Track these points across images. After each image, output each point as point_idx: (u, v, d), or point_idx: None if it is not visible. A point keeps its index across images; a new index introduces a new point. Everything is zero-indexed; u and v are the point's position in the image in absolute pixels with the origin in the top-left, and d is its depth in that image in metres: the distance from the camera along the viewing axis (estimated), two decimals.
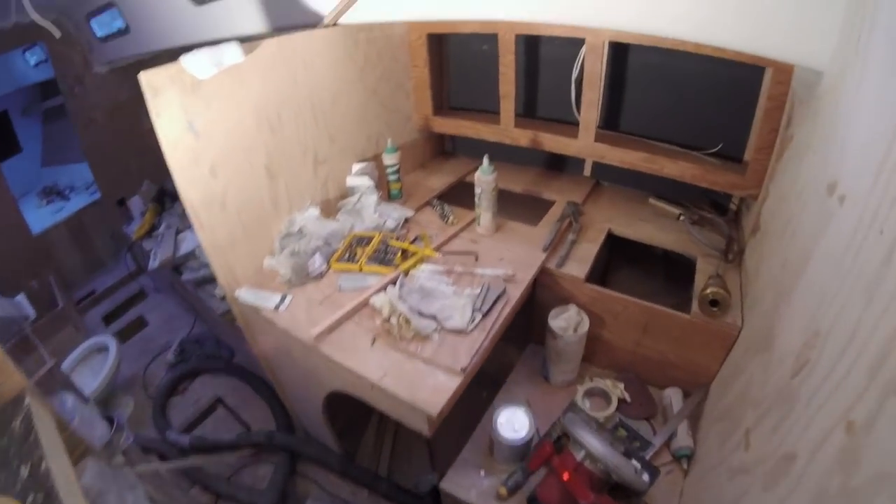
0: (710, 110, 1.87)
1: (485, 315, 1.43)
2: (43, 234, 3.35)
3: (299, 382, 1.79)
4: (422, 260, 1.64)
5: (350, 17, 1.78)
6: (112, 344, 2.47)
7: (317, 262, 1.62)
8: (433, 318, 1.40)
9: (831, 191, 0.98)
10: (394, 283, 1.54)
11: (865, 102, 0.92)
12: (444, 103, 2.41)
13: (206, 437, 2.15)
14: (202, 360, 2.59)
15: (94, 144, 3.27)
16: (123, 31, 2.68)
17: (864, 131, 0.91)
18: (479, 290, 1.50)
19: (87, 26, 2.85)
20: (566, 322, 1.62)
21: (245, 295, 1.57)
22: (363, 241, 1.72)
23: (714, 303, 1.48)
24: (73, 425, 1.16)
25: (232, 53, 1.44)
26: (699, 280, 1.62)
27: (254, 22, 2.03)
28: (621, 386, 1.68)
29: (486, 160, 1.68)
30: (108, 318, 3.19)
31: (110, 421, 1.43)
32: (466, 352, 1.32)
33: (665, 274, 2.02)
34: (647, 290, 2.07)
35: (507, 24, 1.90)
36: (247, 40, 2.02)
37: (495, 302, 1.46)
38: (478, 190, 1.71)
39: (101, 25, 2.81)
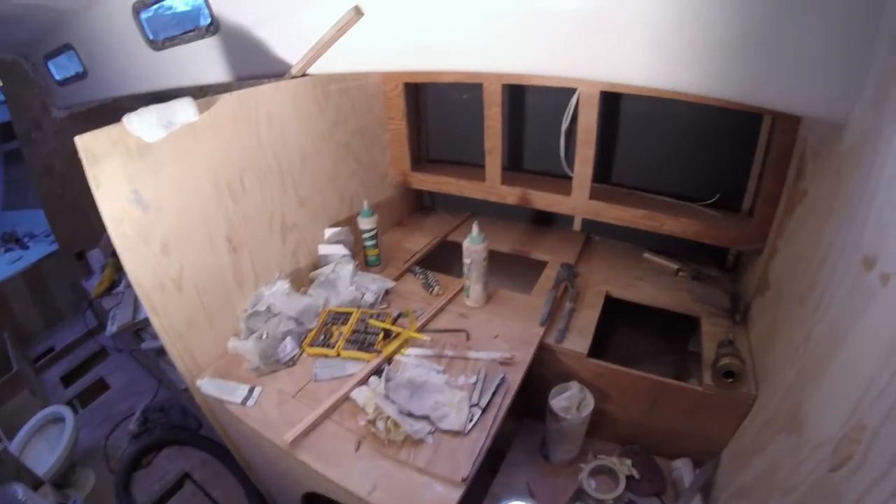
0: (707, 159, 1.72)
1: (484, 410, 1.21)
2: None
3: (273, 477, 1.54)
4: (407, 343, 1.41)
5: (320, 67, 1.61)
6: (69, 416, 2.18)
7: (288, 347, 1.39)
8: (426, 418, 1.18)
9: (869, 266, 0.87)
10: (377, 373, 1.31)
11: None
12: (423, 156, 2.21)
13: None
14: (167, 431, 2.32)
15: (51, 194, 3.00)
16: (82, 75, 2.48)
17: None
18: (474, 379, 1.28)
19: (45, 68, 2.64)
20: (568, 401, 1.42)
21: (208, 386, 1.33)
22: (340, 318, 1.49)
23: (729, 374, 1.31)
24: None
25: (184, 111, 1.23)
26: (707, 346, 1.45)
27: (216, 70, 1.86)
28: (628, 462, 1.47)
29: (475, 228, 1.48)
30: (67, 379, 2.92)
31: None
32: (466, 457, 1.11)
33: (664, 329, 1.83)
34: (647, 349, 1.91)
35: (495, 74, 1.71)
36: (208, 89, 1.86)
37: (494, 393, 1.25)
38: (467, 260, 1.50)
39: (59, 68, 2.61)
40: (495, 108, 1.76)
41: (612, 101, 1.72)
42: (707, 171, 1.73)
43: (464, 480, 1.06)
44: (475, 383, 1.28)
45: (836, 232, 1.05)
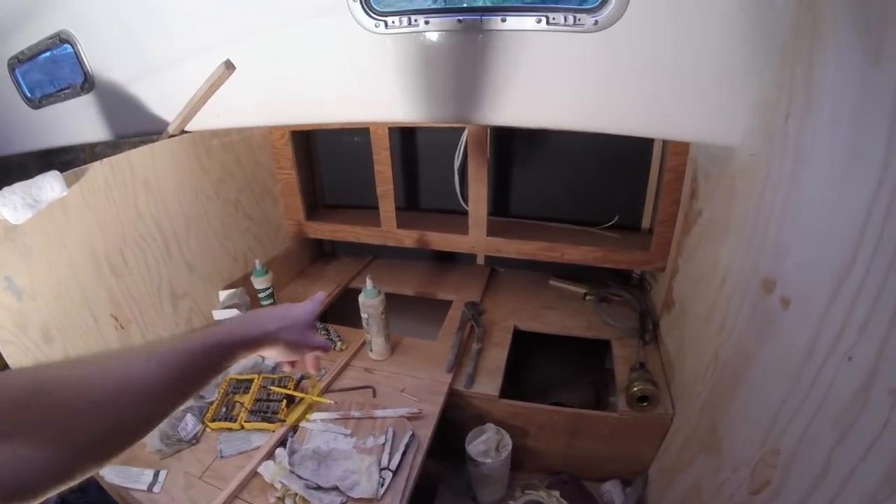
0: (604, 183, 1.95)
1: (395, 472, 1.31)
2: None
3: None
4: (311, 408, 1.51)
5: (199, 124, 1.69)
6: None
7: (189, 425, 1.45)
8: (335, 489, 1.27)
9: (769, 289, 1.00)
10: (283, 443, 1.40)
11: (808, 198, 0.92)
12: (318, 203, 2.32)
13: None
14: None
15: None
16: None
17: (808, 232, 0.91)
18: (383, 440, 1.39)
19: None
20: (486, 444, 1.56)
21: (110, 475, 1.36)
22: (241, 386, 1.57)
23: (643, 399, 1.50)
24: None
25: (50, 187, 1.27)
26: (620, 370, 1.66)
27: (95, 128, 1.90)
28: (556, 493, 1.63)
29: (368, 282, 1.59)
30: None
31: None
32: None
33: (579, 352, 2.04)
34: (565, 375, 2.12)
35: None
36: (87, 148, 1.87)
37: (405, 453, 1.36)
38: (364, 315, 1.62)
39: None
40: (384, 153, 1.91)
41: (503, 135, 1.92)
42: (605, 195, 1.96)
43: None
44: (384, 444, 1.38)
45: (733, 253, 1.21)
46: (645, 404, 1.51)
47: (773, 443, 0.91)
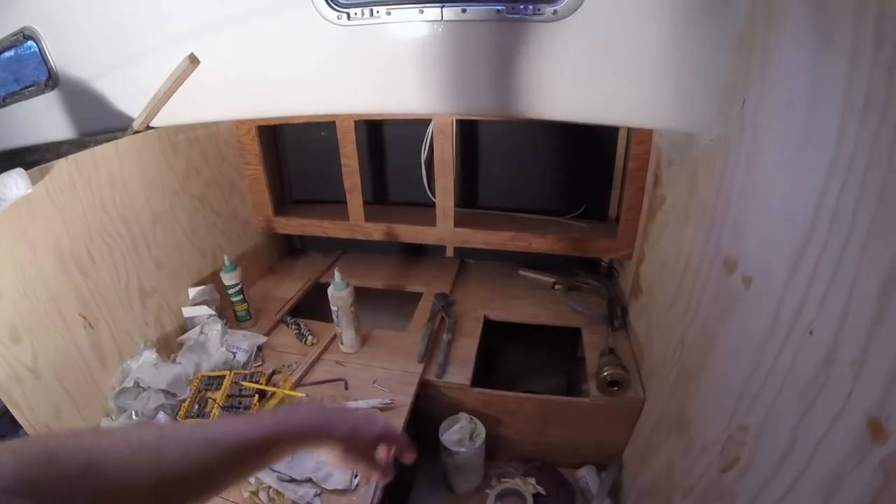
0: (570, 173, 1.98)
1: None
2: None
3: None
4: (283, 402, 1.49)
5: (164, 120, 1.66)
6: None
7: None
8: (309, 481, 1.26)
9: (731, 269, 1.02)
10: None
11: (765, 179, 0.93)
12: (286, 199, 2.30)
13: None
14: None
15: None
16: None
17: (766, 212, 0.92)
18: None
19: None
20: (459, 434, 1.58)
21: None
22: (213, 383, 1.54)
23: (613, 383, 1.53)
24: None
25: (15, 185, 1.23)
26: (590, 356, 1.67)
27: (59, 126, 1.86)
28: (532, 480, 1.65)
29: (337, 275, 1.58)
30: None
31: None
32: None
33: (550, 341, 2.07)
34: (536, 364, 2.14)
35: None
36: (53, 147, 1.82)
37: None
38: (334, 308, 1.60)
39: None
40: (350, 146, 1.90)
41: (469, 127, 1.93)
42: (571, 185, 1.99)
43: None
44: None
45: (695, 236, 1.23)
46: (615, 389, 1.53)
47: (740, 420, 0.93)
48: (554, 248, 1.89)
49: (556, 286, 2.03)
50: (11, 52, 1.77)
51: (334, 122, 1.90)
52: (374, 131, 2.06)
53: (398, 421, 1.45)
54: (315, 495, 1.25)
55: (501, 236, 1.92)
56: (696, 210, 1.25)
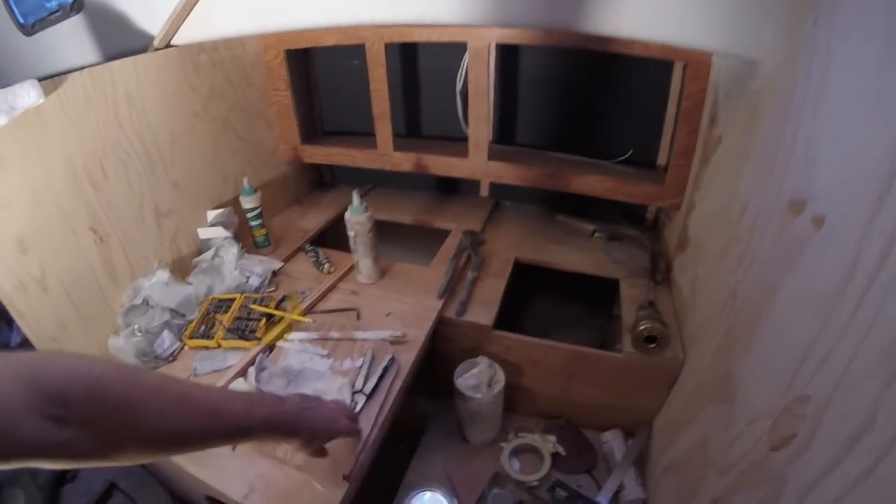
0: (617, 114, 1.78)
1: (370, 397, 1.21)
2: None
3: (175, 481, 1.57)
4: (290, 328, 1.42)
5: (186, 36, 1.58)
6: None
7: (165, 342, 1.39)
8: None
9: (797, 210, 0.85)
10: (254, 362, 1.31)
11: (844, 107, 0.77)
12: (316, 130, 2.20)
13: None
14: None
15: None
16: None
17: (843, 141, 0.76)
18: (360, 363, 1.30)
19: None
20: (476, 379, 1.44)
21: None
22: (223, 306, 1.49)
23: (650, 339, 1.33)
24: None
25: (27, 94, 1.20)
26: (627, 310, 1.49)
27: (86, 51, 1.77)
28: (553, 438, 1.51)
29: (355, 197, 1.48)
30: None
31: None
32: (349, 452, 1.07)
33: (584, 294, 1.91)
34: (568, 317, 1.99)
35: (374, 32, 1.72)
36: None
37: (382, 377, 1.26)
38: (351, 233, 1.51)
39: None
40: (380, 70, 1.77)
41: (510, 57, 1.77)
42: (618, 127, 1.80)
43: (346, 478, 1.03)
44: (360, 367, 1.29)
45: (754, 177, 1.07)
46: (652, 346, 1.35)
47: (800, 389, 0.75)
48: (595, 190, 1.72)
49: (596, 234, 1.85)
50: None
51: (364, 46, 1.77)
52: (407, 60, 1.93)
53: (409, 356, 1.35)
54: None
55: (538, 172, 1.76)
56: (756, 148, 1.08)
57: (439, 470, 1.50)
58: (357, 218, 1.50)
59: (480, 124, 1.76)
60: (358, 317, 1.49)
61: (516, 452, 1.52)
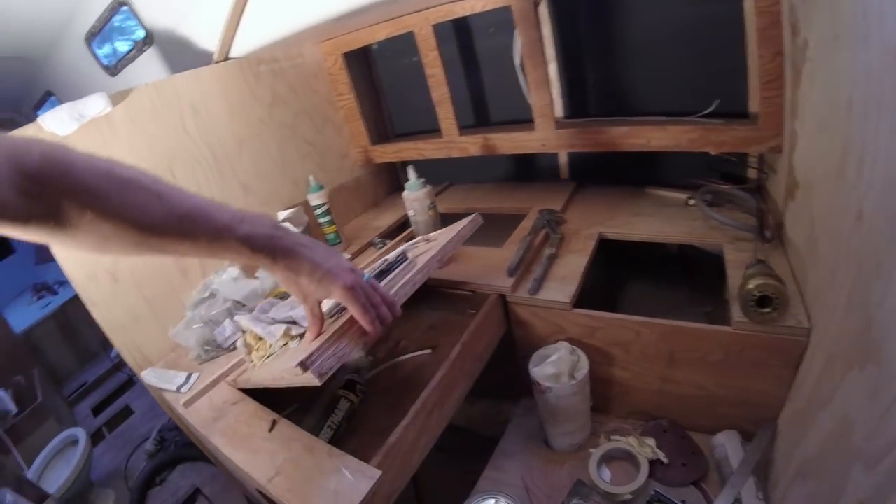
0: (692, 64, 1.47)
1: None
2: (28, 330, 3.46)
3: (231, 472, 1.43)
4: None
5: (242, 48, 1.57)
6: (82, 437, 2.33)
7: (227, 331, 1.29)
8: (289, 320, 1.02)
9: None
10: None
11: None
12: (387, 132, 2.10)
13: None
14: (181, 448, 2.44)
15: None
16: None
17: None
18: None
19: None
20: (556, 367, 1.16)
21: (150, 377, 1.29)
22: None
23: (764, 301, 0.98)
24: None
25: (95, 104, 1.24)
26: (733, 275, 1.14)
27: (162, 76, 1.88)
28: (652, 442, 1.17)
29: (411, 172, 1.32)
30: (98, 409, 3.22)
31: None
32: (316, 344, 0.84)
33: (687, 279, 1.57)
34: (669, 303, 1.61)
35: (419, 16, 1.59)
36: None
37: (387, 272, 1.01)
38: (410, 212, 1.34)
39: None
40: (433, 54, 1.63)
41: (566, 18, 1.55)
42: (696, 78, 1.47)
43: (302, 365, 0.77)
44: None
45: (851, 58, 0.77)
46: (767, 310, 0.98)
47: None
48: (680, 144, 1.40)
49: (691, 201, 1.49)
50: (112, 22, 1.87)
51: (412, 32, 1.64)
52: (464, 44, 1.76)
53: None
54: (285, 334, 1.02)
55: (612, 133, 1.49)
56: (849, 26, 0.78)
57: (516, 477, 1.23)
58: (415, 194, 1.34)
59: (541, 90, 1.53)
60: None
61: (607, 459, 1.20)
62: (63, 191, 0.58)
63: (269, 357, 1.01)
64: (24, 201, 0.55)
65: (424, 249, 1.17)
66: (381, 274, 1.02)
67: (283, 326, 1.01)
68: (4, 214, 0.54)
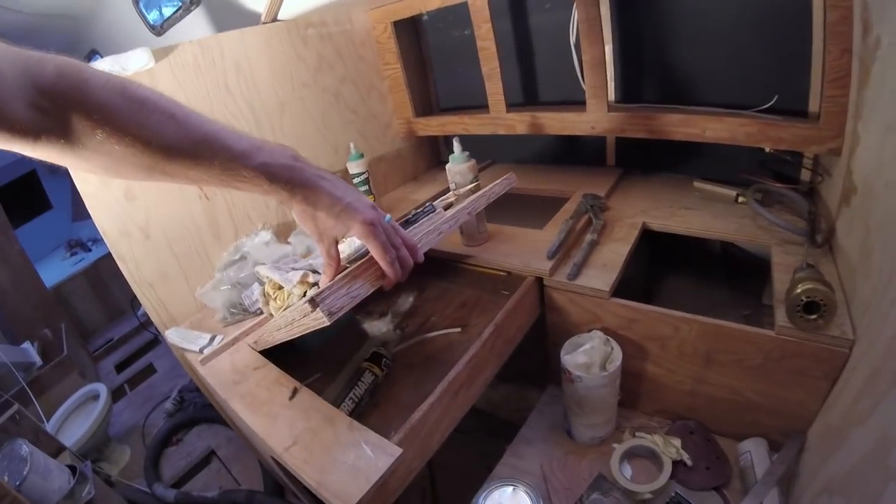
0: (753, 55, 1.36)
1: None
2: (58, 285, 3.49)
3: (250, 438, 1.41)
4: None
5: (291, 10, 1.52)
6: (103, 392, 2.34)
7: (254, 294, 1.24)
8: (307, 267, 0.99)
9: None
10: None
11: None
12: (432, 105, 2.03)
13: (191, 494, 1.91)
14: (199, 410, 2.44)
15: None
16: None
17: None
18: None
19: None
20: (588, 356, 1.10)
21: (173, 335, 1.26)
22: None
23: (811, 307, 0.92)
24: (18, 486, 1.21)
25: (138, 58, 1.20)
26: (780, 278, 1.06)
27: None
28: (677, 442, 1.12)
29: (456, 145, 1.25)
30: (121, 366, 3.23)
31: (73, 470, 1.39)
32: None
33: (729, 279, 1.49)
34: (709, 303, 1.53)
35: None
36: None
37: (413, 222, 0.97)
38: (452, 186, 1.27)
39: None
40: (486, 26, 1.55)
41: (626, 1, 1.45)
42: (757, 71, 1.37)
43: (312, 302, 0.71)
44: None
45: None
46: (814, 316, 0.91)
47: None
48: (736, 137, 1.30)
49: (740, 199, 1.40)
50: None
51: (466, 3, 1.56)
52: (517, 21, 1.67)
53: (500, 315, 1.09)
54: (302, 280, 1.01)
55: (666, 121, 1.40)
56: None
57: (535, 466, 1.19)
58: (458, 167, 1.27)
59: (597, 71, 1.45)
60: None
61: (630, 456, 1.15)
62: (75, 107, 0.55)
63: (286, 309, 0.97)
64: (36, 116, 0.52)
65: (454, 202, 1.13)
66: (407, 223, 0.98)
67: (301, 272, 0.98)
68: (15, 129, 0.52)
